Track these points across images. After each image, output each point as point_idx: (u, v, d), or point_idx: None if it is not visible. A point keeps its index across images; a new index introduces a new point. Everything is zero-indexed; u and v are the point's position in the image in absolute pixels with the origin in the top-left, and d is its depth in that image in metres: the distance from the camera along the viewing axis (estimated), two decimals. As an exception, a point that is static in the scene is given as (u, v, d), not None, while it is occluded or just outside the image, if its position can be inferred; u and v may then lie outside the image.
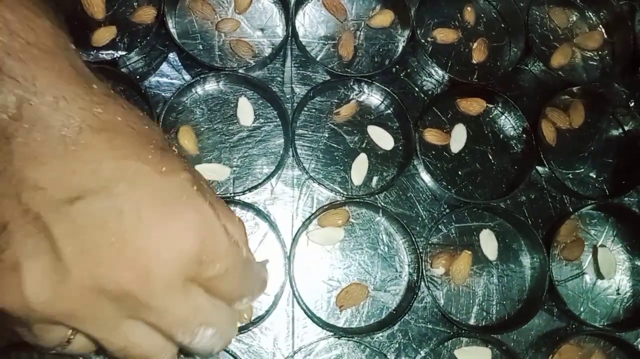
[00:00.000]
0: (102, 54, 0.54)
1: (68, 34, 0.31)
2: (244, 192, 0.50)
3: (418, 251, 0.51)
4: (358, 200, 0.53)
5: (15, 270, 0.28)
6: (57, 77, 0.29)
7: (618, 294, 0.56)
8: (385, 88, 0.55)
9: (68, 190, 0.28)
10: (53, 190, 0.28)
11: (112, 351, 0.32)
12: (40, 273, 0.28)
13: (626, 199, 0.58)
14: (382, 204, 0.53)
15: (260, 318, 0.48)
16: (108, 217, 0.28)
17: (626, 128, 0.61)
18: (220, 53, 0.56)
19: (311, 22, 0.58)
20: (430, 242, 0.54)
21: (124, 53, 0.53)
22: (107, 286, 0.28)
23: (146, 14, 0.55)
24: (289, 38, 0.56)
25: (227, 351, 0.47)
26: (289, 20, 0.56)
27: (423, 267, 0.51)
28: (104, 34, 0.54)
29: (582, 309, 0.55)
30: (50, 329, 0.30)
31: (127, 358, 0.32)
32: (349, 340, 0.49)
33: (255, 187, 0.51)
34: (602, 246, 0.57)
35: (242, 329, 0.48)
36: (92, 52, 0.54)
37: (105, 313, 0.30)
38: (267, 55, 0.56)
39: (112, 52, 0.54)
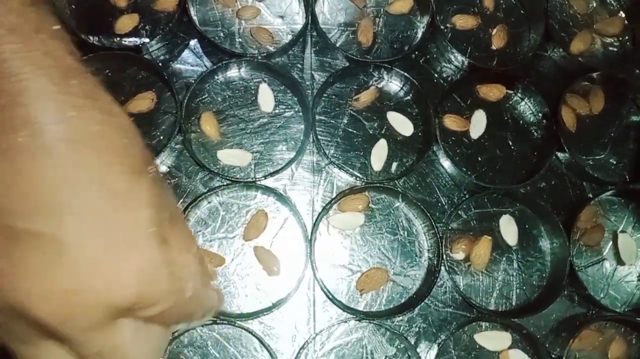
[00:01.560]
0: (125, 41, 0.54)
1: (54, 16, 0.27)
2: (265, 177, 0.50)
3: (438, 236, 0.51)
4: (378, 185, 0.53)
5: None
6: (25, 61, 0.25)
7: (639, 280, 0.56)
8: (405, 74, 0.55)
9: (13, 202, 0.26)
10: (5, 197, 0.26)
11: None
12: None
13: (647, 185, 0.57)
14: (402, 189, 0.53)
15: (282, 301, 0.48)
16: (48, 245, 0.26)
17: (647, 114, 0.60)
18: (240, 40, 0.56)
19: (330, 9, 0.58)
20: (450, 227, 0.53)
21: (146, 40, 0.53)
22: (26, 313, 0.26)
23: (168, 2, 0.55)
24: (309, 25, 0.56)
25: (250, 332, 0.47)
26: (309, 7, 0.55)
27: (443, 252, 0.51)
28: (127, 22, 0.54)
29: (602, 295, 0.55)
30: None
31: None
32: (369, 323, 0.49)
33: (276, 172, 0.51)
34: (623, 232, 0.56)
35: (264, 312, 0.48)
36: (115, 40, 0.54)
37: (23, 330, 0.28)
38: (287, 42, 0.55)
39: (135, 39, 0.54)
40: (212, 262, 0.49)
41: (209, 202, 0.51)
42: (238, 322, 0.47)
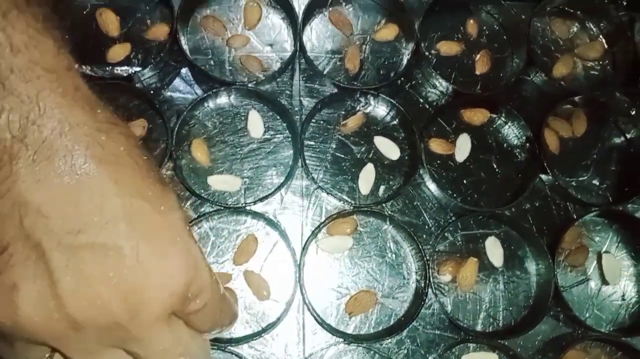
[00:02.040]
0: (117, 70, 0.56)
1: (70, 54, 0.30)
2: (254, 203, 0.51)
3: (425, 259, 0.52)
4: (366, 209, 0.54)
5: (13, 289, 0.29)
6: (61, 99, 0.28)
7: (623, 300, 0.57)
8: (391, 100, 0.56)
9: (70, 222, 0.28)
10: (56, 220, 0.28)
11: None
12: (35, 297, 0.29)
13: (629, 205, 0.58)
14: (389, 212, 0.55)
15: (271, 325, 0.49)
16: (108, 254, 0.29)
17: (628, 136, 0.61)
18: (230, 68, 0.58)
19: (318, 37, 0.60)
20: (436, 249, 0.55)
21: (138, 69, 0.55)
22: (97, 319, 0.29)
23: (159, 31, 0.57)
24: (297, 53, 0.57)
25: (241, 357, 0.48)
26: (297, 35, 0.57)
27: (430, 274, 0.52)
28: (119, 51, 0.56)
29: (587, 314, 0.56)
30: (32, 349, 0.31)
31: None
32: (358, 346, 0.50)
33: (266, 197, 0.52)
34: (607, 252, 0.58)
35: (254, 336, 0.49)
36: (107, 69, 0.56)
37: (91, 342, 0.30)
38: (276, 69, 0.57)
39: (127, 68, 0.56)
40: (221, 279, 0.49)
41: (199, 228, 0.52)
42: (229, 347, 0.48)
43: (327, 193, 0.53)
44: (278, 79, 0.58)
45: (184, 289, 0.31)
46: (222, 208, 0.51)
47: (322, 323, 0.50)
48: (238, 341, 0.49)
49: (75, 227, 0.28)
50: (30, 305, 0.29)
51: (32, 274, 0.29)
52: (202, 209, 0.52)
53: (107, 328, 0.30)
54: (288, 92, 0.58)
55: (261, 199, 0.52)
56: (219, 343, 0.48)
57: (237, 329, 0.50)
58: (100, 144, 0.30)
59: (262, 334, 0.49)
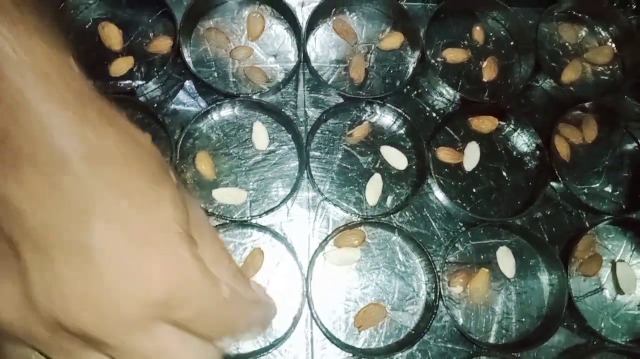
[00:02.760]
0: (120, 84, 0.56)
1: (65, 48, 0.29)
2: (260, 215, 0.51)
3: (435, 270, 0.52)
4: (373, 220, 0.54)
5: None
6: (47, 95, 0.28)
7: (639, 309, 0.56)
8: (397, 109, 0.56)
9: (47, 221, 0.28)
10: (33, 218, 0.28)
11: None
12: (9, 296, 0.29)
13: (643, 212, 0.58)
14: (398, 223, 0.54)
15: (280, 340, 0.49)
16: (80, 254, 0.28)
17: (640, 141, 0.61)
18: (234, 80, 0.58)
19: (322, 47, 0.60)
20: (447, 260, 0.54)
21: (141, 82, 0.55)
22: (67, 324, 0.28)
23: (162, 44, 0.57)
24: (301, 63, 0.58)
25: (248, 374, 0.48)
26: (301, 45, 0.57)
27: (440, 286, 0.52)
28: (122, 65, 0.56)
29: (602, 325, 0.55)
30: (13, 347, 0.31)
31: None
32: (367, 361, 0.50)
33: (272, 210, 0.52)
34: (621, 260, 0.57)
35: (262, 352, 0.49)
36: (110, 83, 0.56)
37: (68, 344, 0.30)
38: (280, 80, 0.57)
39: (130, 81, 0.56)
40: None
41: (205, 243, 0.52)
42: (235, 363, 0.48)
43: (334, 205, 0.53)
44: (282, 90, 0.58)
45: (165, 297, 0.29)
46: (228, 222, 0.51)
47: (331, 338, 0.50)
48: (245, 357, 0.49)
49: (49, 225, 0.28)
50: (5, 303, 0.29)
51: (7, 273, 0.29)
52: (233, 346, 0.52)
53: (77, 335, 0.29)
54: (293, 103, 0.58)
55: (267, 212, 0.52)
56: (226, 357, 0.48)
57: (244, 345, 0.49)
58: (87, 142, 0.29)
59: (270, 350, 0.49)
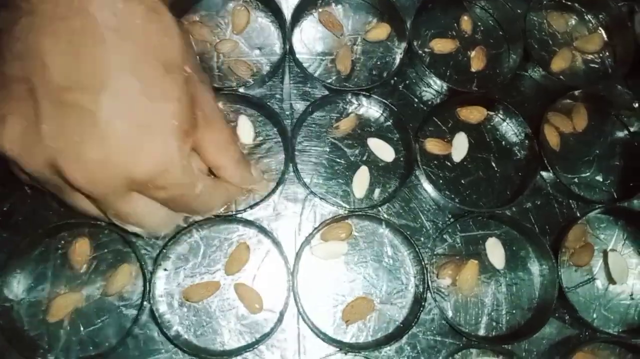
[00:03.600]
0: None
1: None
2: (245, 210, 0.52)
3: (423, 262, 0.52)
4: (360, 213, 0.54)
5: (1, 119, 0.33)
6: None
7: (632, 299, 0.57)
8: (384, 100, 0.57)
9: (65, 78, 0.32)
10: (54, 72, 0.32)
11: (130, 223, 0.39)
12: (20, 131, 0.33)
13: (635, 201, 0.58)
14: (385, 216, 0.55)
15: (266, 335, 0.49)
16: (85, 118, 0.32)
17: (632, 129, 0.62)
18: (219, 73, 0.58)
19: (308, 39, 0.61)
20: (435, 252, 0.55)
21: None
22: (62, 169, 0.33)
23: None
24: (287, 55, 0.58)
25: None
26: (286, 37, 0.58)
27: (429, 278, 0.52)
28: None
29: (594, 315, 0.56)
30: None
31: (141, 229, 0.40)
32: (356, 355, 0.50)
33: (257, 204, 0.53)
34: (613, 250, 0.58)
35: (247, 348, 0.49)
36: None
37: (59, 182, 0.35)
38: (265, 73, 0.58)
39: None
40: (207, 289, 0.51)
41: (190, 237, 0.52)
42: (220, 360, 0.48)
43: (321, 198, 0.54)
44: (268, 83, 0.58)
45: (145, 178, 0.34)
46: (212, 217, 0.52)
47: (318, 332, 0.50)
48: (231, 353, 0.49)
49: (68, 85, 0.32)
50: (11, 138, 0.33)
51: (22, 112, 0.33)
52: (192, 218, 0.52)
53: (65, 180, 0.34)
54: (278, 95, 0.58)
55: (252, 206, 0.52)
56: (211, 356, 0.48)
57: (230, 341, 0.50)
58: (115, 12, 0.32)
59: (256, 346, 0.49)
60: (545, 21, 0.65)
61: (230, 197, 0.44)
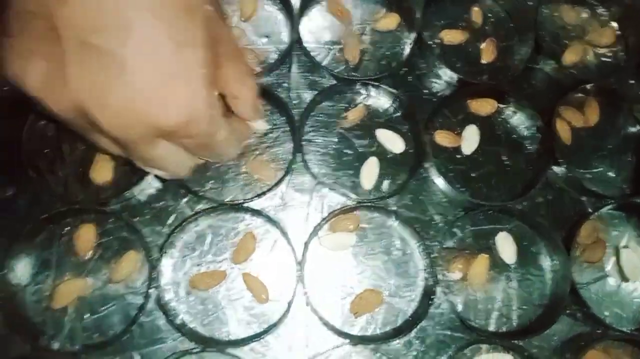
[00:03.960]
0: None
1: None
2: (252, 199, 0.52)
3: (433, 256, 0.52)
4: (369, 204, 0.54)
5: (29, 54, 0.33)
6: None
7: (645, 296, 0.57)
8: (393, 91, 0.57)
9: (90, 20, 0.32)
10: (78, 12, 0.32)
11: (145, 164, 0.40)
12: (43, 72, 0.33)
13: (648, 197, 0.58)
14: (394, 208, 0.55)
15: (273, 326, 0.49)
16: (112, 61, 0.32)
17: (644, 124, 0.62)
18: (225, 61, 0.58)
19: (316, 27, 0.61)
20: (445, 246, 0.55)
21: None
22: (89, 112, 0.33)
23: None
24: (294, 44, 0.58)
25: (240, 360, 0.48)
26: (294, 26, 0.58)
27: (438, 272, 0.52)
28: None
29: (607, 313, 0.55)
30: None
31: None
32: (364, 348, 0.50)
33: (264, 193, 0.52)
34: (625, 247, 0.58)
35: (254, 338, 0.49)
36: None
37: (85, 124, 0.35)
38: (272, 62, 0.58)
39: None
40: (213, 279, 0.51)
41: (196, 226, 0.52)
42: (228, 350, 0.48)
43: (329, 189, 0.54)
44: (275, 72, 0.58)
45: (173, 127, 0.35)
46: (220, 205, 0.52)
47: (326, 324, 0.50)
48: (237, 343, 0.49)
49: (92, 26, 0.32)
50: (39, 75, 0.33)
51: (45, 51, 0.33)
52: (199, 207, 0.52)
53: (93, 125, 0.34)
54: (286, 85, 0.58)
55: (259, 195, 0.52)
56: (218, 345, 0.48)
57: (237, 331, 0.50)
58: None
59: (263, 336, 0.49)
60: (557, 14, 0.65)
61: (242, 140, 0.45)
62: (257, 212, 0.53)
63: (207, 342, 0.48)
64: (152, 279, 0.48)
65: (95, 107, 0.33)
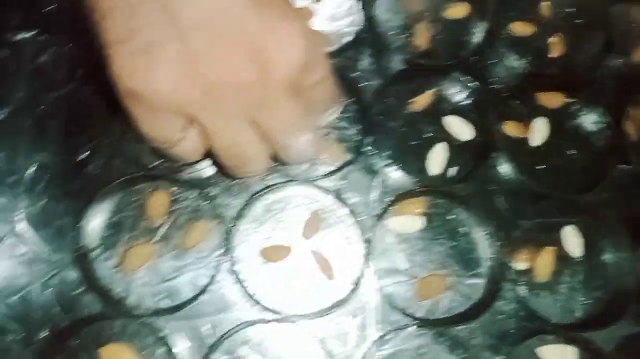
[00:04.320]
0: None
1: None
2: (320, 177, 0.53)
3: (498, 245, 0.53)
4: (436, 190, 0.55)
5: (147, 53, 0.33)
6: None
7: None
8: (463, 79, 0.58)
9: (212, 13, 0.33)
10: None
11: (217, 148, 0.39)
12: (170, 57, 0.33)
13: None
14: (461, 195, 0.55)
15: (338, 305, 0.50)
16: (234, 17, 0.33)
17: None
18: (296, 41, 0.59)
19: (387, 12, 0.62)
20: (511, 236, 0.55)
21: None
22: (229, 79, 0.34)
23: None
24: (365, 27, 0.59)
25: (308, 333, 0.49)
26: (366, 9, 0.59)
27: (504, 261, 0.52)
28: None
29: (672, 311, 0.56)
30: (169, 119, 0.37)
31: (227, 158, 0.41)
32: (429, 331, 0.51)
33: (333, 172, 0.53)
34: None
35: (320, 314, 0.50)
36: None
37: (223, 107, 0.36)
38: (342, 44, 0.59)
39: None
40: (282, 252, 0.52)
41: (267, 200, 0.53)
42: (299, 322, 0.49)
43: (395, 171, 0.55)
44: (346, 55, 0.59)
45: (306, 56, 0.36)
46: (288, 181, 0.53)
47: (391, 306, 0.51)
48: (305, 316, 0.50)
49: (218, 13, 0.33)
50: (165, 70, 0.33)
51: (166, 34, 0.33)
52: (268, 181, 0.53)
53: (237, 91, 0.35)
54: (355, 68, 0.59)
55: (327, 175, 0.53)
56: (289, 316, 0.49)
57: (305, 305, 0.51)
58: None
59: (329, 313, 0.50)
60: (628, 11, 0.65)
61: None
62: (325, 190, 0.53)
63: (277, 313, 0.49)
64: (223, 248, 0.49)
65: (234, 71, 0.35)
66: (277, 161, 0.47)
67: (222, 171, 0.49)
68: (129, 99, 0.36)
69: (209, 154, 0.43)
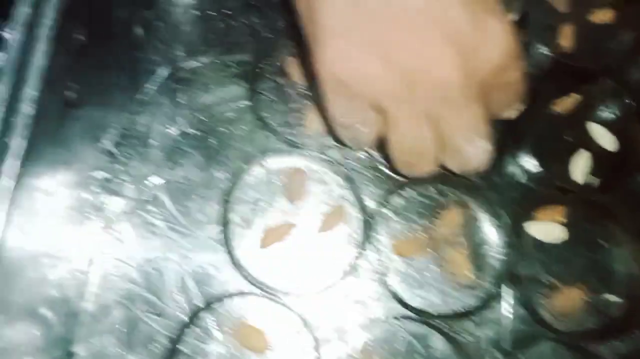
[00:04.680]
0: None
1: None
2: (458, 175, 0.51)
3: (643, 263, 0.50)
4: (579, 198, 0.53)
5: (360, 46, 0.35)
6: None
7: None
8: (611, 85, 0.56)
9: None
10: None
11: (393, 139, 0.40)
12: (377, 53, 0.34)
13: None
14: (606, 206, 0.53)
15: (476, 310, 0.49)
16: (440, 11, 0.33)
17: None
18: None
19: (532, 10, 0.60)
20: (656, 255, 0.53)
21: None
22: (430, 74, 0.35)
23: None
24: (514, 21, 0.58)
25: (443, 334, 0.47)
26: (511, 4, 0.57)
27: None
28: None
29: None
30: (360, 106, 0.38)
31: (399, 151, 0.41)
32: (569, 348, 0.49)
33: (470, 173, 0.52)
34: None
35: (458, 317, 0.49)
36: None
37: (415, 98, 0.36)
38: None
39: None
40: (418, 247, 0.51)
41: (405, 192, 0.52)
42: (434, 320, 0.49)
43: (534, 175, 0.53)
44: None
45: (508, 52, 0.36)
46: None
47: (529, 315, 0.49)
48: (447, 316, 0.49)
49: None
50: (372, 57, 0.34)
51: (382, 27, 0.34)
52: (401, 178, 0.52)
53: (437, 84, 0.35)
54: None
55: (464, 175, 0.51)
56: (426, 314, 0.48)
57: (441, 303, 0.49)
58: None
59: (466, 317, 0.48)
60: None
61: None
62: (462, 187, 0.52)
63: (413, 310, 0.48)
64: (364, 235, 0.48)
65: (431, 66, 0.35)
66: (444, 168, 0.45)
67: (390, 165, 0.48)
68: (331, 86, 0.36)
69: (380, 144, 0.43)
